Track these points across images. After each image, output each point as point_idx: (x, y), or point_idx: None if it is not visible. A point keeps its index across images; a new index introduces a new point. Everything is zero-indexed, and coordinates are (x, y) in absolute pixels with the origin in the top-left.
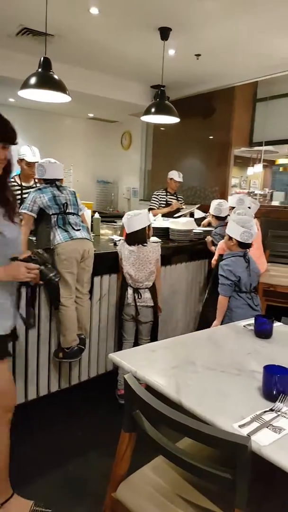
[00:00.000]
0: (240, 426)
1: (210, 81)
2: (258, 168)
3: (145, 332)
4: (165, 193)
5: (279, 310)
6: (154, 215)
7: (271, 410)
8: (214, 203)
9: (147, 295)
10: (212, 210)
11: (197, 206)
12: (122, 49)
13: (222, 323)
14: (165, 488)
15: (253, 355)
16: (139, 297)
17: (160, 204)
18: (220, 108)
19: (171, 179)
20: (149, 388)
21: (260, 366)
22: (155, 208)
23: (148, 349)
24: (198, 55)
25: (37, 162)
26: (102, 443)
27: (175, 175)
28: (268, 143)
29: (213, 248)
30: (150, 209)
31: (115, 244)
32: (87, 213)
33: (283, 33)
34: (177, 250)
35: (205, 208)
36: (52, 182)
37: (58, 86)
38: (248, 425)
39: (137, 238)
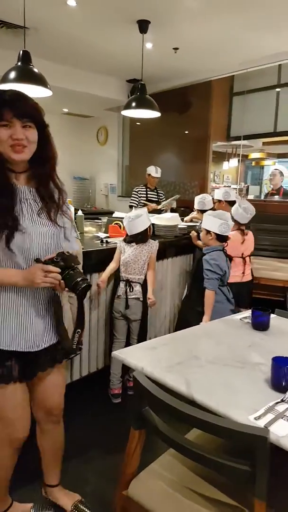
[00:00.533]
0: (255, 418)
1: (187, 76)
2: (233, 163)
3: (136, 331)
4: (145, 189)
5: (263, 303)
6: None
7: (282, 401)
8: (197, 198)
9: (138, 288)
10: (196, 205)
11: (175, 197)
12: (99, 43)
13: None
14: (177, 482)
15: (254, 348)
16: (131, 290)
17: (140, 200)
18: (197, 102)
19: (149, 174)
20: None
21: (262, 358)
22: (135, 205)
23: (148, 347)
24: (176, 48)
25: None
26: (98, 442)
27: (152, 171)
28: (246, 137)
29: (199, 242)
30: (130, 206)
31: (102, 242)
32: (71, 211)
33: (260, 28)
34: (163, 245)
35: (185, 203)
36: None
37: (39, 80)
38: (263, 416)
39: (138, 239)
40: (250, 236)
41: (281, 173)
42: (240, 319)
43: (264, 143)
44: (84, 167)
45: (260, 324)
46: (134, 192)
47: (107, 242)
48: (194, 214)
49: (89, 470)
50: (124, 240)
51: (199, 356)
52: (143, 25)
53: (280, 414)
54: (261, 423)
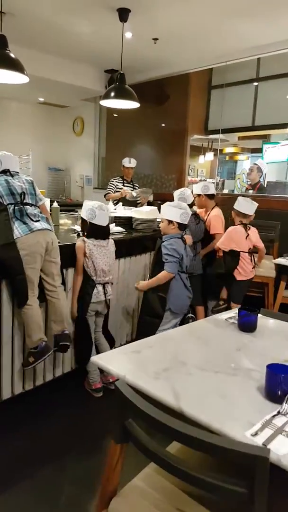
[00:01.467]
0: (252, 435)
1: (165, 67)
2: (209, 157)
3: (101, 324)
4: (121, 181)
5: (245, 299)
6: (108, 200)
7: (279, 413)
8: (177, 194)
9: (110, 287)
10: (176, 200)
11: (146, 190)
12: (77, 30)
13: (163, 302)
14: (162, 500)
15: (244, 351)
16: (106, 292)
17: (116, 191)
18: (175, 95)
19: (123, 166)
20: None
21: (253, 364)
22: (109, 193)
23: (131, 350)
24: (155, 39)
25: None
26: (75, 445)
27: (126, 161)
28: (224, 131)
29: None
30: (105, 195)
31: (78, 235)
32: (46, 203)
33: (240, 20)
34: (142, 239)
35: (163, 196)
36: (5, 171)
37: (16, 65)
38: (260, 432)
39: (107, 232)
40: (253, 231)
41: (259, 169)
42: (226, 319)
43: (239, 138)
44: (59, 157)
45: (247, 325)
46: (110, 183)
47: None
48: None
49: (65, 477)
50: (95, 236)
51: (186, 361)
52: (124, 14)
53: (278, 430)
54: (259, 440)
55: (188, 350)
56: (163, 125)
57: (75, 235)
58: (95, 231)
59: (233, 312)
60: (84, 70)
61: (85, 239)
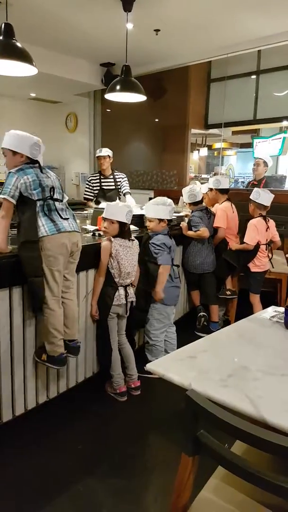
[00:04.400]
0: None
1: (165, 60)
2: (204, 152)
3: (123, 326)
4: (98, 177)
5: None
6: (88, 205)
7: None
8: (186, 191)
9: (132, 290)
10: (187, 199)
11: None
12: (74, 21)
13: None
14: None
15: None
16: (128, 294)
17: (94, 190)
18: (174, 89)
19: (97, 157)
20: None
21: None
22: (91, 197)
23: (185, 355)
24: (157, 30)
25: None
26: (106, 454)
27: (97, 151)
28: (226, 125)
29: (189, 232)
30: (85, 199)
31: (93, 235)
32: None
33: (241, 11)
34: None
35: (164, 193)
36: (35, 162)
37: (24, 56)
38: None
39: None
40: (272, 223)
41: (265, 163)
42: (269, 318)
43: (233, 132)
44: (53, 155)
45: None
46: (86, 182)
47: (99, 235)
48: (187, 211)
49: (103, 490)
50: (124, 237)
51: (248, 366)
52: (128, 3)
53: None
54: None
55: (243, 353)
56: (161, 120)
57: (89, 235)
58: (122, 231)
59: (273, 311)
60: (79, 63)
61: (112, 238)
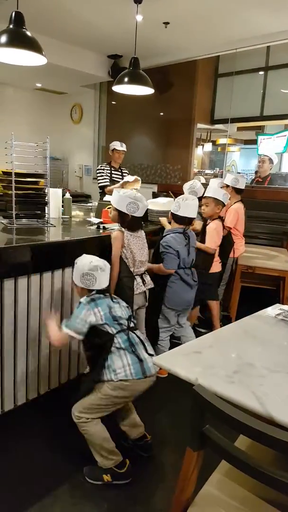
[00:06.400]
0: None
1: (174, 53)
2: (208, 148)
3: (143, 317)
4: (109, 168)
5: (254, 291)
6: (109, 192)
7: None
8: (187, 187)
9: (148, 277)
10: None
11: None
12: (84, 12)
13: (159, 296)
14: (239, 508)
15: None
16: (144, 282)
17: (112, 180)
18: (180, 83)
19: (113, 150)
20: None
21: None
22: (107, 183)
23: (191, 350)
24: (166, 23)
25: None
26: None
27: (117, 145)
28: (232, 120)
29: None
30: (102, 187)
31: (98, 228)
32: (58, 194)
33: (251, 6)
34: (159, 232)
35: (168, 187)
36: (105, 291)
37: (34, 45)
38: None
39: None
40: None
41: (270, 160)
42: (275, 316)
43: (238, 128)
44: (57, 146)
45: None
46: (99, 171)
47: (104, 228)
48: None
49: (106, 487)
50: (131, 229)
51: (253, 363)
52: None
53: None
54: None
55: (249, 350)
56: (166, 114)
57: (93, 227)
58: (134, 224)
59: (279, 309)
60: (87, 54)
61: (123, 229)
